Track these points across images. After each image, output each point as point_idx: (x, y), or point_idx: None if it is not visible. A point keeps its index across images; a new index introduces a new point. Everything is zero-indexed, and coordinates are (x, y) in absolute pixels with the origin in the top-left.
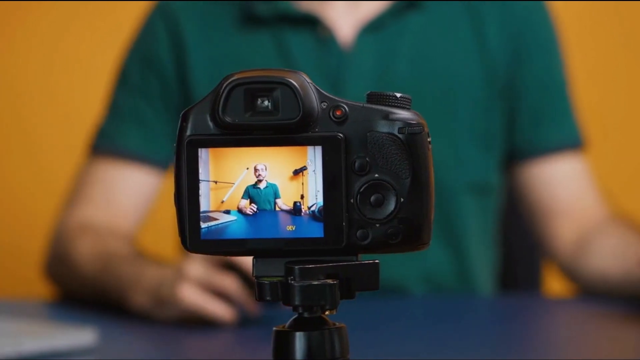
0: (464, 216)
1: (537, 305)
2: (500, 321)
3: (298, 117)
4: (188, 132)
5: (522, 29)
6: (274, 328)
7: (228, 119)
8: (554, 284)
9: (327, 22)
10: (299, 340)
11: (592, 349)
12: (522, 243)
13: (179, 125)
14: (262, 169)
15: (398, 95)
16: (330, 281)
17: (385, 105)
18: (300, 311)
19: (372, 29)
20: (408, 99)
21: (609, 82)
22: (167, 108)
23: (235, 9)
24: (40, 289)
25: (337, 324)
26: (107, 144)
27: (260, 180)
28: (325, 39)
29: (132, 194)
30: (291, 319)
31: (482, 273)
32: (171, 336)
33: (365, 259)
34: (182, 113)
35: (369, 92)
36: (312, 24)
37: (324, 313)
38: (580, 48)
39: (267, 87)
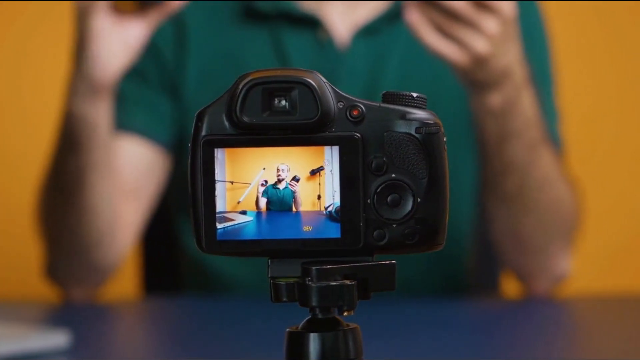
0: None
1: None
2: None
3: (316, 117)
4: (204, 132)
5: None
6: (287, 329)
7: (246, 119)
8: (510, 286)
9: (326, 24)
10: (313, 342)
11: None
12: (480, 246)
13: (193, 125)
14: (284, 169)
15: (415, 94)
16: (348, 282)
17: (402, 105)
18: (317, 312)
19: (368, 32)
20: (424, 98)
21: (597, 88)
22: (166, 92)
23: (238, 4)
24: (12, 290)
25: (350, 324)
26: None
27: (280, 181)
28: (324, 40)
29: (141, 170)
30: (304, 320)
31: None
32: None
33: (380, 259)
34: (196, 113)
35: (384, 91)
36: (312, 24)
37: (342, 314)
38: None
39: (285, 86)
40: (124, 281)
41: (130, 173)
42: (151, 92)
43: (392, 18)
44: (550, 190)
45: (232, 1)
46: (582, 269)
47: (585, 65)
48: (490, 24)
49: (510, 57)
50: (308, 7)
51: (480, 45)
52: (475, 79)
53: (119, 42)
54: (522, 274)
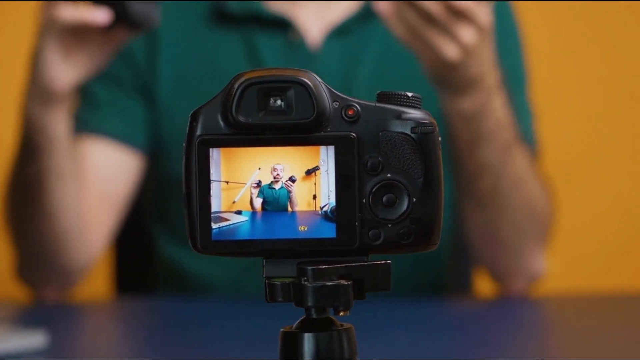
0: None
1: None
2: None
3: (312, 117)
4: (198, 132)
5: None
6: (281, 329)
7: (241, 119)
8: (484, 285)
9: (297, 26)
10: (308, 342)
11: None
12: (454, 247)
13: (188, 125)
14: (280, 170)
15: (410, 94)
16: (343, 282)
17: (397, 104)
18: (313, 312)
19: (340, 33)
20: (419, 98)
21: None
22: (140, 95)
23: (208, 6)
24: None
25: (344, 324)
26: (85, 128)
27: (276, 181)
28: (295, 42)
29: (113, 173)
30: (298, 320)
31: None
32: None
33: (374, 259)
34: (191, 113)
35: (379, 91)
36: (283, 26)
37: (337, 314)
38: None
39: (280, 86)
40: (95, 282)
41: (103, 176)
42: (124, 96)
43: (364, 18)
44: (523, 191)
45: (204, 2)
46: (557, 269)
47: (562, 64)
48: (466, 32)
49: (483, 66)
50: (279, 8)
51: (451, 51)
52: (443, 83)
53: (77, 56)
54: (497, 274)
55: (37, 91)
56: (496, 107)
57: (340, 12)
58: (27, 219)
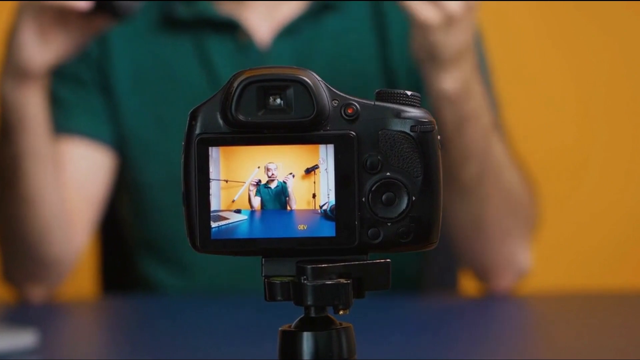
0: None
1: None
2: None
3: (312, 116)
4: (197, 131)
5: None
6: (280, 328)
7: (241, 117)
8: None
9: (246, 26)
10: (307, 341)
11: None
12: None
13: (187, 124)
14: (274, 168)
15: (409, 93)
16: (343, 280)
17: (396, 103)
18: (312, 311)
19: (289, 32)
20: (418, 96)
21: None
22: (103, 93)
23: (157, 11)
24: None
25: (343, 323)
26: (56, 129)
27: (272, 180)
28: (244, 43)
29: (90, 171)
30: (297, 319)
31: None
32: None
33: (372, 257)
34: (190, 112)
35: (378, 90)
36: (231, 28)
37: (337, 313)
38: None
39: (280, 85)
40: (80, 280)
41: (80, 174)
42: (89, 95)
43: (313, 17)
44: (505, 179)
45: (151, 10)
46: (542, 266)
47: (561, 65)
48: (451, 1)
49: (469, 36)
50: (227, 10)
51: (430, 13)
52: (437, 51)
53: (55, 38)
54: (482, 271)
55: (11, 70)
56: (477, 90)
57: (289, 11)
58: (5, 204)
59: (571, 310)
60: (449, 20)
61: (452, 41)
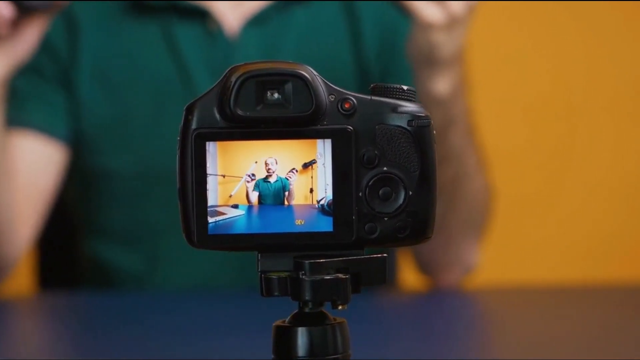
0: None
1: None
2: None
3: (310, 110)
4: (194, 126)
5: (396, 27)
6: (274, 323)
7: (240, 112)
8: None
9: (215, 15)
10: (301, 336)
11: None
12: None
13: (182, 119)
14: (272, 163)
15: (405, 87)
16: (341, 276)
17: (392, 97)
18: (309, 306)
19: (258, 22)
20: (414, 91)
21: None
22: (62, 87)
23: None
24: None
25: (337, 319)
26: (9, 121)
27: (270, 175)
28: (213, 31)
29: (39, 166)
30: (291, 315)
31: None
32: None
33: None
34: (186, 106)
35: (373, 84)
36: (201, 16)
37: (335, 308)
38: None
39: (279, 79)
40: (17, 277)
41: (29, 169)
42: (47, 88)
43: (282, 7)
44: (475, 180)
45: None
46: (488, 260)
47: (541, 60)
48: (455, 1)
49: (465, 39)
50: None
51: (434, 13)
52: (436, 52)
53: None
54: (430, 267)
55: None
56: (464, 91)
57: (259, 1)
58: None
59: (517, 305)
60: (452, 21)
61: (452, 43)
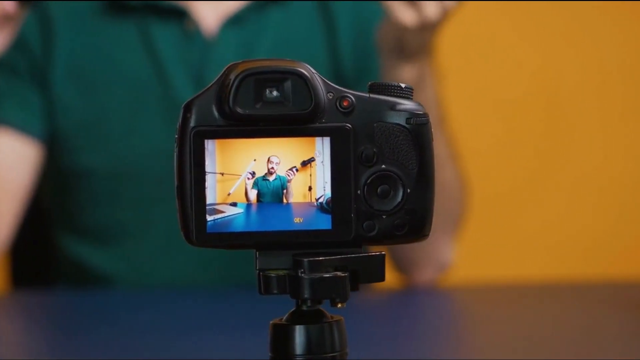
0: None
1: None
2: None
3: (310, 108)
4: (192, 123)
5: (371, 27)
6: (271, 321)
7: (239, 110)
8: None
9: (193, 15)
10: (299, 334)
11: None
12: None
13: (181, 116)
14: (276, 162)
15: (402, 85)
16: (340, 274)
17: (390, 95)
18: (308, 304)
19: (235, 22)
20: (411, 89)
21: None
22: (37, 84)
23: None
24: None
25: (334, 316)
26: None
27: (271, 173)
28: (191, 31)
29: (14, 163)
30: (288, 313)
31: None
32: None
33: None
34: (184, 104)
35: (371, 82)
36: (178, 15)
37: (334, 306)
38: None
39: (278, 77)
40: None
41: (4, 167)
42: (22, 85)
43: (260, 7)
44: (445, 174)
45: None
46: (464, 258)
47: (525, 62)
48: (430, 7)
49: (436, 36)
50: None
51: (407, 17)
52: (404, 46)
53: None
54: (405, 264)
55: None
56: (429, 82)
57: (236, 1)
58: None
59: (493, 303)
60: (425, 25)
61: (421, 41)
